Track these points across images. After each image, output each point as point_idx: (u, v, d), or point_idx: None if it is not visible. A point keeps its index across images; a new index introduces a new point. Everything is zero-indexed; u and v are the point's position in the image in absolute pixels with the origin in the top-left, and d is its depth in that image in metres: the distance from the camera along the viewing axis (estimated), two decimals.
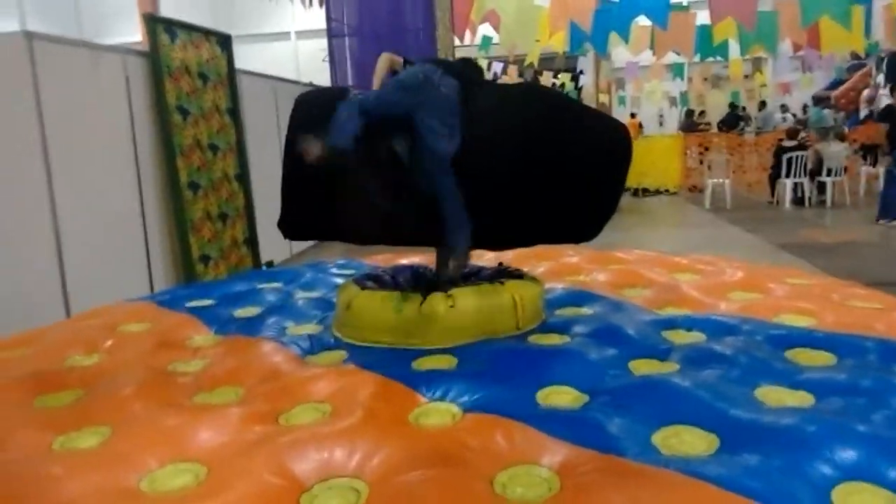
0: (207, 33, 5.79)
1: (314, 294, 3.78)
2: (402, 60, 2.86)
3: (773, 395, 2.05)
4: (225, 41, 6.01)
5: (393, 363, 2.52)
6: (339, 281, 3.97)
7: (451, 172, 2.52)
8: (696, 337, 2.63)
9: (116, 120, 4.90)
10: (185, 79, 5.39)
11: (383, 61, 2.83)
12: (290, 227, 3.01)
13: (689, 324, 2.74)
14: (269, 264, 6.46)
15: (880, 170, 11.14)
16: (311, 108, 2.88)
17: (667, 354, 2.43)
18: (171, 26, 5.34)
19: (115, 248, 4.82)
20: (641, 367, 2.34)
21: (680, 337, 2.63)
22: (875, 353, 2.39)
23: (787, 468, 1.61)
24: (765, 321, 2.74)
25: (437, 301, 2.72)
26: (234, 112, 6.05)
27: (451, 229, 2.59)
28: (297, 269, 4.52)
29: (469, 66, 2.98)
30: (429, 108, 2.55)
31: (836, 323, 2.68)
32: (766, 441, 1.73)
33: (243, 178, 6.13)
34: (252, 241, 6.28)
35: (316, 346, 2.84)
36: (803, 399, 2.02)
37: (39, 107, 4.18)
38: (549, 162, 2.63)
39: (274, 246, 6.83)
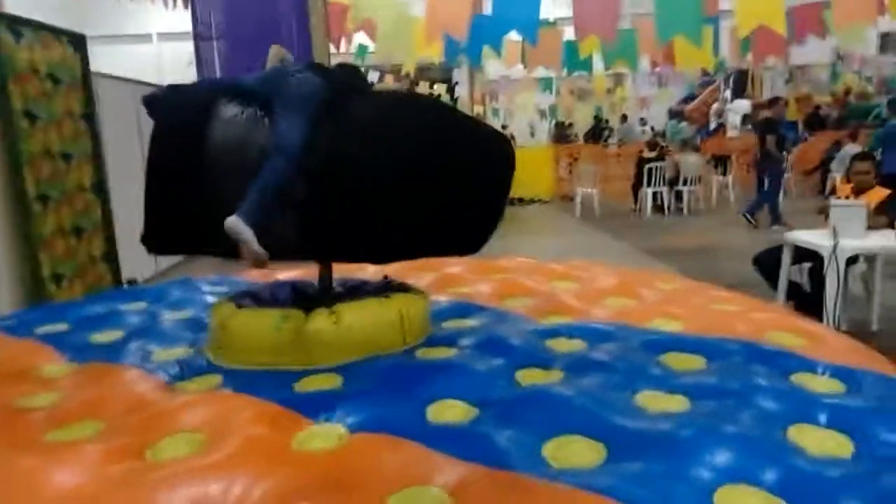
0: (58, 32, 5.32)
1: (184, 314, 3.52)
2: (291, 57, 2.78)
3: (653, 401, 2.12)
4: (79, 41, 5.55)
5: (273, 385, 2.38)
6: (212, 299, 3.74)
7: (292, 165, 2.47)
8: (577, 345, 2.69)
9: None
10: (34, 81, 4.92)
11: (274, 52, 2.77)
12: (155, 240, 2.77)
13: (569, 332, 2.80)
14: (132, 282, 6.01)
15: (730, 178, 12.14)
16: (181, 111, 2.68)
17: (551, 363, 2.47)
18: (16, 24, 4.85)
19: None
20: (527, 377, 2.36)
21: (562, 345, 2.68)
22: (739, 355, 2.54)
23: (671, 474, 1.65)
24: (638, 327, 2.85)
25: (321, 318, 2.62)
26: (90, 117, 5.59)
27: (249, 208, 2.46)
28: (163, 287, 4.22)
29: (349, 72, 2.91)
30: (280, 97, 2.57)
31: (702, 326, 2.83)
32: (650, 448, 1.77)
33: (100, 188, 5.68)
34: (111, 257, 5.81)
35: (186, 371, 2.64)
36: (680, 403, 2.10)
37: None
38: (431, 172, 2.60)
39: (136, 262, 6.37)
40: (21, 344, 3.02)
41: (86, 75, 5.58)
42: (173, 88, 2.76)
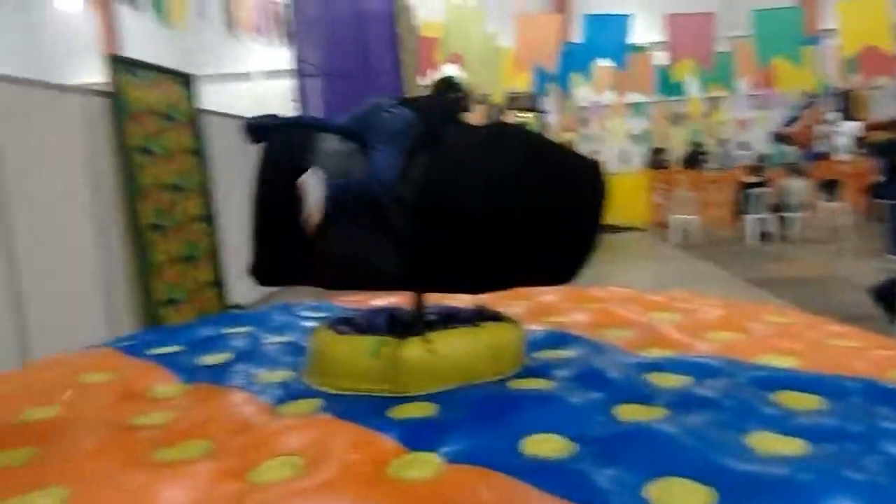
0: (171, 73, 5.71)
1: (285, 339, 3.64)
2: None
3: (766, 442, 1.99)
4: (189, 81, 5.93)
5: (370, 412, 2.41)
6: (311, 324, 3.85)
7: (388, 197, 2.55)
8: (681, 380, 2.57)
9: (76, 161, 4.76)
10: (149, 119, 5.29)
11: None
12: (262, 272, 2.88)
13: (672, 366, 2.69)
14: (237, 307, 6.28)
15: (840, 204, 11.45)
16: (287, 147, 2.79)
17: (652, 399, 2.37)
18: (134, 66, 5.25)
19: (76, 293, 4.63)
20: (628, 413, 2.28)
21: (664, 380, 2.58)
22: (860, 395, 2.37)
23: None
24: (747, 362, 2.70)
25: (415, 345, 2.64)
26: (199, 152, 5.94)
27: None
28: (266, 312, 4.39)
29: (447, 100, 2.94)
30: (375, 133, 2.65)
31: (817, 363, 2.66)
32: (764, 493, 1.66)
33: (209, 218, 6.00)
34: (219, 284, 6.11)
35: (288, 394, 2.72)
36: (796, 445, 1.97)
37: None
38: (525, 202, 2.58)
39: (241, 288, 6.67)
40: (137, 365, 3.20)
41: (195, 113, 5.94)
42: (273, 116, 2.89)
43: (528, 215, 2.58)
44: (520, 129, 3.13)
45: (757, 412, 2.22)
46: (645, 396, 2.40)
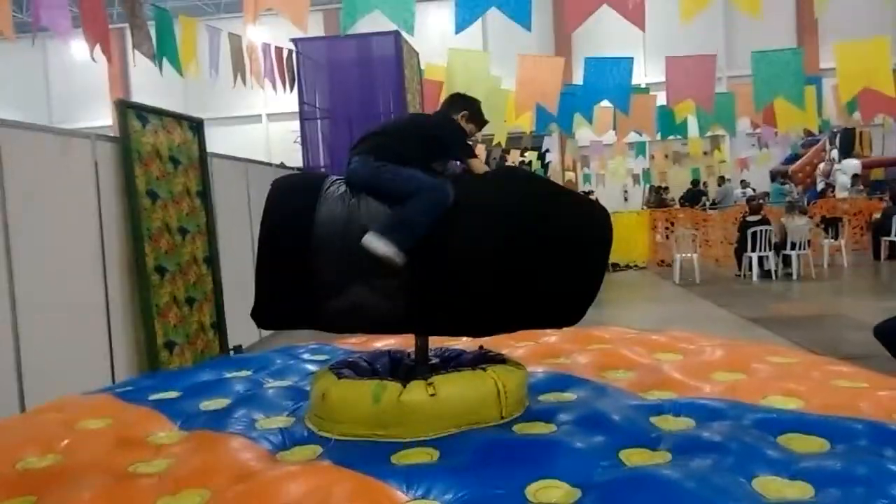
0: (179, 118, 5.79)
1: (285, 382, 3.63)
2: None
3: (772, 486, 1.97)
4: (197, 126, 6.01)
5: (371, 458, 2.38)
6: (311, 367, 3.84)
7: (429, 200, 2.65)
8: (685, 423, 2.55)
9: (84, 205, 4.80)
10: (156, 163, 5.35)
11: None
12: (265, 315, 2.88)
13: (676, 409, 2.67)
14: (237, 349, 6.26)
15: (842, 242, 11.46)
16: (290, 194, 2.83)
17: (657, 443, 2.35)
18: (143, 112, 5.33)
19: (77, 335, 4.62)
20: (633, 458, 2.25)
21: (668, 423, 2.55)
22: (866, 437, 2.34)
23: None
24: (752, 404, 2.68)
25: (418, 389, 2.62)
26: (205, 195, 5.99)
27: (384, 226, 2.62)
28: (266, 355, 4.37)
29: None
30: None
31: (823, 405, 2.64)
32: None
33: (212, 260, 6.01)
34: (219, 326, 6.10)
35: (288, 440, 2.70)
36: (802, 490, 1.94)
37: (3, 192, 4.07)
38: (530, 245, 2.60)
39: (242, 330, 6.65)
40: (136, 411, 3.18)
41: (202, 156, 6.00)
42: (299, 178, 2.97)
43: (532, 258, 2.59)
44: (525, 173, 3.16)
45: (762, 455, 2.19)
46: (650, 441, 2.37)
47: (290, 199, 2.79)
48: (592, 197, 15.74)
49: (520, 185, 2.76)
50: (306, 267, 2.66)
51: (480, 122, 3.11)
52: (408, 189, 2.63)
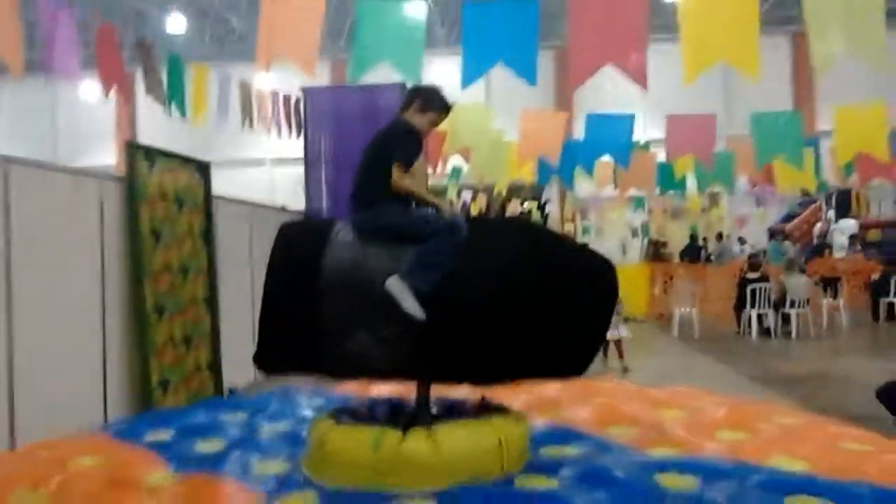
0: (186, 160, 5.85)
1: (281, 427, 3.57)
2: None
3: None
4: (204, 168, 6.07)
5: None
6: (308, 412, 3.79)
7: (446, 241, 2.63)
8: (690, 482, 2.51)
9: (87, 243, 4.80)
10: (161, 204, 5.37)
11: None
12: (268, 359, 2.86)
13: (680, 467, 2.62)
14: (232, 391, 6.18)
15: (840, 301, 11.46)
16: (297, 240, 2.84)
17: (662, 502, 2.30)
18: (151, 153, 5.39)
19: (72, 370, 4.57)
20: None
21: (673, 481, 2.51)
22: (872, 502, 2.30)
23: None
24: (757, 465, 2.64)
25: (418, 438, 2.58)
26: (208, 236, 6.01)
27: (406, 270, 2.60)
28: (263, 398, 4.32)
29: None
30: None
31: (829, 468, 2.60)
32: None
33: (212, 301, 5.99)
34: (215, 366, 6.04)
35: (283, 486, 2.64)
36: None
37: (8, 230, 4.08)
38: (535, 296, 2.60)
39: (237, 370, 6.57)
40: (130, 451, 3.13)
41: (207, 198, 6.04)
42: (306, 223, 2.94)
43: (536, 309, 2.59)
44: (530, 223, 3.15)
45: None
46: (654, 499, 2.33)
47: (298, 243, 2.79)
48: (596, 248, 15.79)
49: (527, 235, 2.77)
50: (311, 312, 2.64)
51: (437, 106, 2.95)
52: (424, 231, 2.64)
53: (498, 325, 2.56)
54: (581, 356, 2.71)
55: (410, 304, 2.55)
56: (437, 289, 2.57)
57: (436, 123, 2.98)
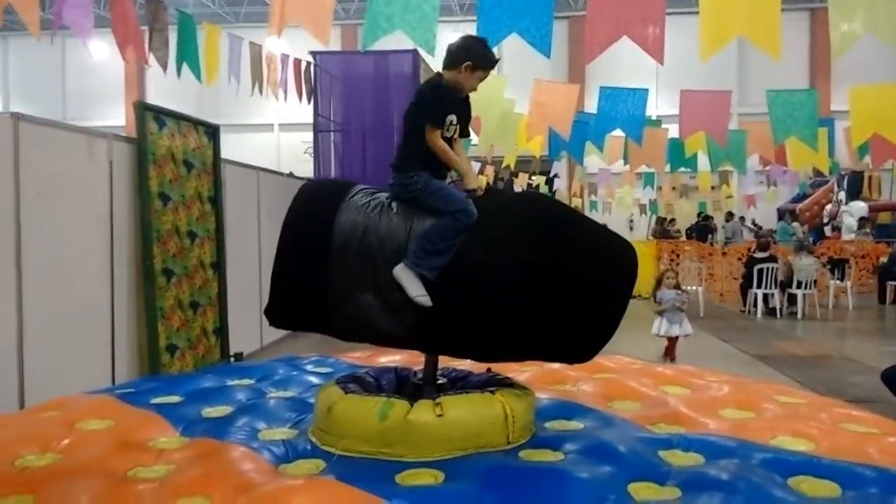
0: (196, 123, 5.81)
1: (288, 393, 3.60)
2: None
3: None
4: (213, 131, 6.03)
5: (375, 476, 2.36)
6: (314, 379, 3.81)
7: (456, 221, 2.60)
8: (694, 458, 2.52)
9: (96, 203, 4.80)
10: (170, 166, 5.36)
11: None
12: (277, 314, 2.88)
13: (684, 444, 2.64)
14: (238, 356, 6.23)
15: (848, 283, 11.42)
16: (314, 198, 2.85)
17: (666, 478, 2.32)
18: (161, 114, 5.35)
19: (80, 334, 4.60)
20: (642, 492, 2.22)
21: (677, 458, 2.52)
22: (876, 485, 2.32)
23: None
24: (761, 444, 2.65)
25: (425, 409, 2.59)
26: (216, 200, 6.00)
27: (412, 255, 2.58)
28: (269, 364, 4.34)
29: None
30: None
31: (832, 448, 2.60)
32: None
33: (219, 266, 6.00)
34: (222, 331, 6.07)
35: (291, 452, 2.66)
36: None
37: (18, 186, 4.08)
38: (546, 276, 2.53)
39: (244, 337, 6.63)
40: (138, 413, 3.15)
41: (216, 162, 6.01)
42: (328, 184, 2.93)
43: (547, 287, 2.52)
44: (550, 199, 3.00)
45: (772, 497, 2.17)
46: (659, 475, 2.34)
47: (315, 202, 2.80)
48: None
49: (543, 211, 2.70)
50: (320, 272, 2.66)
51: (487, 62, 2.79)
52: (436, 206, 2.62)
53: (503, 302, 2.52)
54: (591, 341, 2.64)
55: (416, 291, 2.55)
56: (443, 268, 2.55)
57: (481, 80, 2.83)
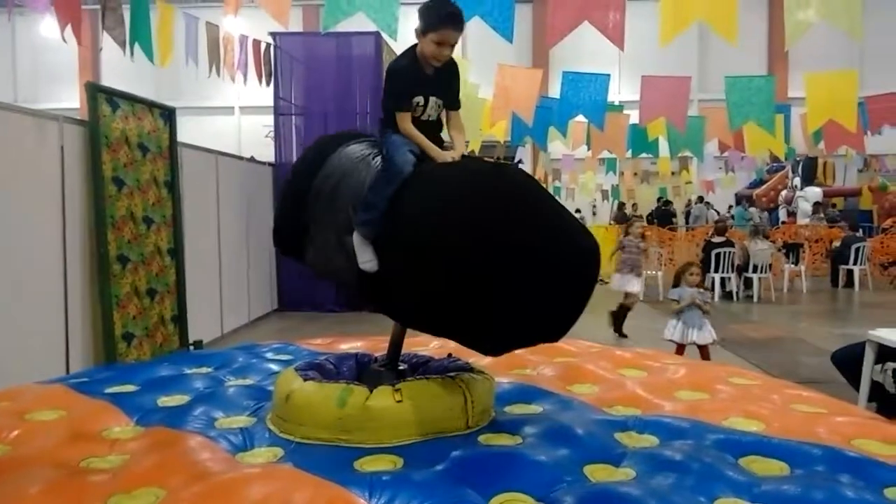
0: (151, 105, 5.67)
1: (247, 381, 3.56)
2: None
3: None
4: (169, 114, 5.89)
5: (334, 463, 2.34)
6: (274, 367, 3.77)
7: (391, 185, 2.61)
8: (649, 440, 2.57)
9: (47, 188, 4.66)
10: (124, 150, 5.22)
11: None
12: (279, 242, 3.16)
13: (640, 426, 2.68)
14: (198, 344, 6.14)
15: (802, 268, 11.73)
16: (321, 145, 3.04)
17: (621, 459, 2.35)
18: (114, 97, 5.20)
19: (32, 322, 4.47)
20: (597, 473, 2.25)
21: (632, 440, 2.57)
22: (823, 463, 2.39)
23: None
24: (714, 425, 2.71)
25: (384, 395, 2.59)
26: (173, 185, 5.87)
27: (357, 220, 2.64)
28: (228, 352, 4.28)
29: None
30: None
31: (782, 428, 2.68)
32: None
33: (177, 252, 5.89)
34: (181, 319, 5.97)
35: (248, 441, 2.64)
36: None
37: None
38: (493, 251, 2.35)
39: (203, 325, 6.54)
40: (91, 403, 3.08)
41: (172, 145, 5.88)
42: (340, 134, 3.11)
43: (492, 263, 2.34)
44: (521, 173, 2.75)
45: (723, 477, 2.22)
46: (614, 457, 2.38)
47: (317, 146, 3.05)
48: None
49: (505, 184, 2.50)
50: (302, 206, 2.86)
51: (432, 21, 2.57)
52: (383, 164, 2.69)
53: (444, 270, 2.37)
54: (552, 327, 2.48)
55: (364, 258, 2.59)
56: (393, 217, 2.52)
57: (446, 42, 2.59)
